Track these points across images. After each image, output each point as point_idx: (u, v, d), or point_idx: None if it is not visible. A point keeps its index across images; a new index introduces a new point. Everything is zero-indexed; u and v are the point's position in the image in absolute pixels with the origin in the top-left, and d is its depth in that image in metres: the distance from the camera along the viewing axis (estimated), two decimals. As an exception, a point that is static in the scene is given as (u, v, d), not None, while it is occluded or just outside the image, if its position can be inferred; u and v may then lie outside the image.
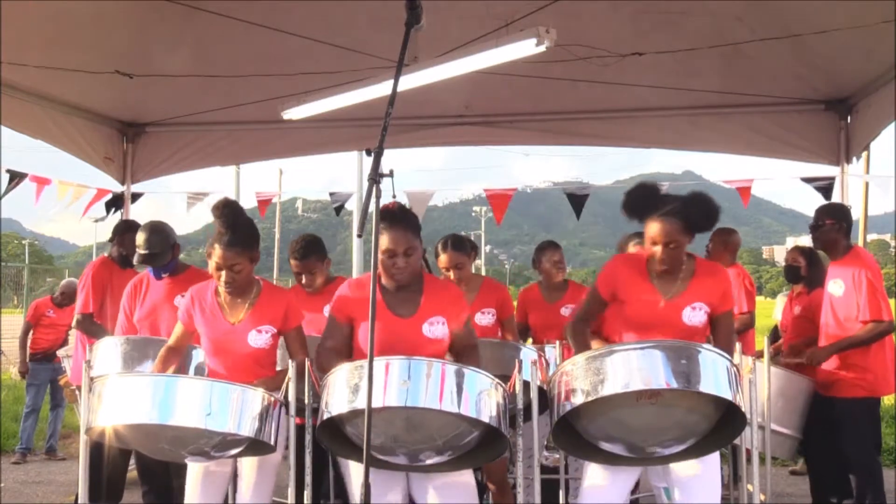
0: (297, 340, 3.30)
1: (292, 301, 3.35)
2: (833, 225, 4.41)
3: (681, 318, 3.10)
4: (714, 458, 3.03)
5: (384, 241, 2.91)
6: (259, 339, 3.21)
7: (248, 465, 3.19)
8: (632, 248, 4.10)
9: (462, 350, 3.07)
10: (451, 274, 4.31)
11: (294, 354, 3.26)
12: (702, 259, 3.32)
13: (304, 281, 4.32)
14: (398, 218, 2.95)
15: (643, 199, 3.14)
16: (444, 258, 4.34)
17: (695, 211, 3.06)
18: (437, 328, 2.98)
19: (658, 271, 3.13)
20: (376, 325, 2.90)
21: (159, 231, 4.36)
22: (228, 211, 3.20)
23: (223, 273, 3.15)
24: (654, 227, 3.07)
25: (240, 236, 3.15)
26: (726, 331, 3.21)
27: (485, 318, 4.30)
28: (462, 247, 4.39)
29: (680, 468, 3.02)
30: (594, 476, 3.06)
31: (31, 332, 7.39)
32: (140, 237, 4.33)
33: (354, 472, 2.98)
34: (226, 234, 3.13)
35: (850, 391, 4.27)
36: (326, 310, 4.27)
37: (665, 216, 3.04)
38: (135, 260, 4.41)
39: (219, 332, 3.22)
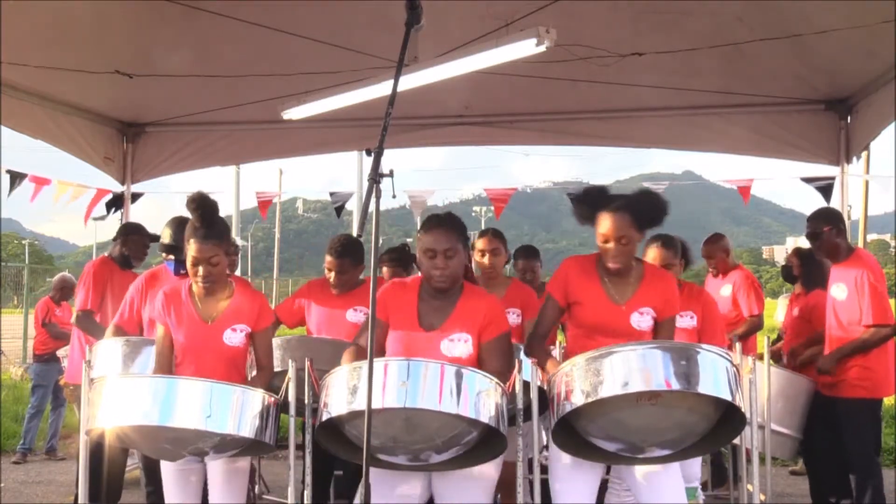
0: (265, 345, 3.29)
1: (264, 301, 3.37)
2: (831, 230, 4.39)
3: (629, 323, 3.08)
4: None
5: (425, 239, 2.93)
6: (234, 337, 3.21)
7: (216, 468, 3.19)
8: (652, 252, 4.08)
9: (483, 367, 2.90)
10: (486, 259, 4.33)
11: (260, 360, 3.26)
12: (650, 264, 3.31)
13: (332, 279, 4.33)
14: (444, 219, 2.97)
15: (592, 197, 3.12)
16: (482, 242, 4.39)
17: (642, 205, 3.04)
18: (457, 346, 2.91)
19: (610, 271, 3.10)
20: (398, 333, 2.94)
21: (186, 226, 4.40)
22: (204, 204, 3.21)
23: (200, 268, 3.15)
24: (604, 223, 3.04)
25: (216, 230, 3.17)
26: (667, 337, 3.13)
27: (510, 318, 4.31)
28: (501, 237, 4.46)
29: (642, 467, 3.02)
30: (560, 475, 3.05)
31: (31, 333, 7.42)
32: (166, 231, 4.39)
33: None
34: (201, 227, 3.15)
35: (852, 392, 4.26)
36: (350, 313, 4.31)
37: (614, 211, 3.02)
38: (159, 249, 4.47)
39: (194, 331, 3.21)
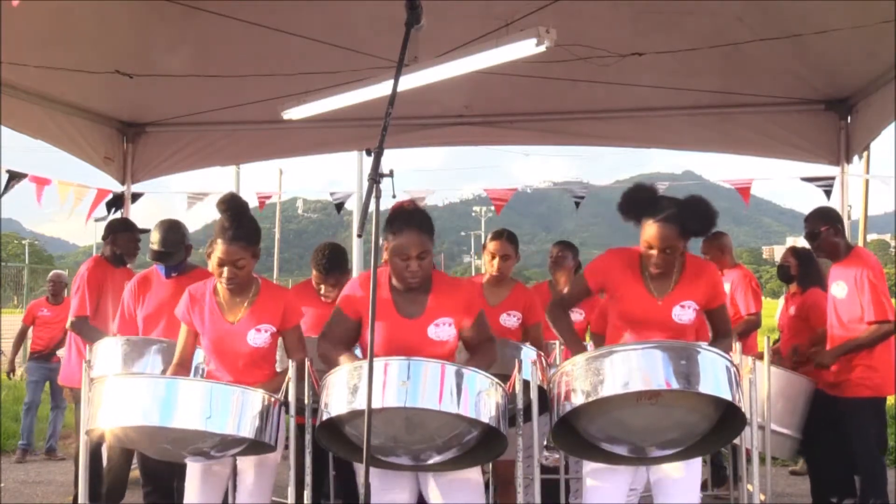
0: (296, 340, 3.28)
1: (291, 299, 3.34)
2: (829, 230, 4.41)
3: (671, 317, 3.10)
4: (696, 460, 3.05)
5: (397, 242, 2.89)
6: (259, 337, 3.19)
7: (248, 465, 3.19)
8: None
9: (477, 345, 3.06)
10: (495, 263, 4.34)
11: (292, 354, 3.25)
12: (692, 256, 3.31)
13: (322, 290, 4.35)
14: (413, 218, 2.92)
15: (641, 200, 3.12)
16: (494, 245, 4.37)
17: (692, 216, 3.04)
18: (443, 329, 2.96)
19: (652, 273, 3.13)
20: (383, 325, 2.92)
21: (175, 230, 4.36)
22: (234, 205, 3.18)
23: (225, 269, 3.11)
24: (650, 231, 3.05)
25: (244, 231, 3.12)
26: (723, 325, 3.25)
27: (510, 320, 4.31)
28: (514, 241, 4.47)
29: (663, 469, 3.03)
30: (594, 476, 3.07)
31: (29, 333, 7.42)
32: (155, 234, 4.33)
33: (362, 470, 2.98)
34: (230, 228, 3.10)
35: (856, 391, 4.27)
36: None
37: (663, 221, 3.02)
38: (148, 256, 4.42)
39: (218, 331, 3.20)
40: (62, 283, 7.79)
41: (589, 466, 3.08)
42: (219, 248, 3.11)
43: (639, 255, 3.17)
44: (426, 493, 2.98)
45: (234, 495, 3.31)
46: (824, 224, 4.42)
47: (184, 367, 3.29)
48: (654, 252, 3.06)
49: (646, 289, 3.15)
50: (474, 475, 2.97)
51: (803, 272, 5.14)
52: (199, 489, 3.20)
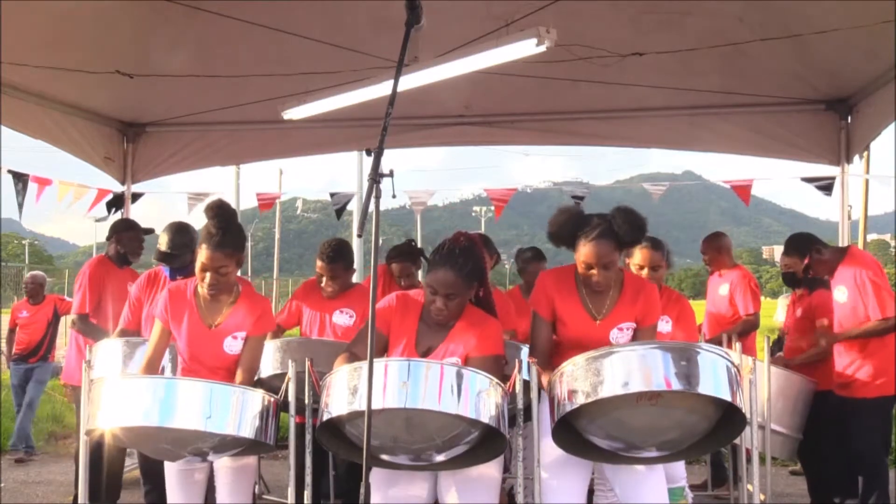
0: (253, 351, 3.24)
1: (268, 309, 3.34)
2: (812, 256, 4.51)
3: (608, 340, 3.08)
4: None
5: (429, 275, 2.88)
6: (234, 345, 3.20)
7: (224, 467, 3.18)
8: (640, 253, 4.09)
9: None
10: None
11: (241, 364, 3.20)
12: (630, 274, 3.29)
13: (323, 283, 4.37)
14: (452, 257, 2.87)
15: (569, 224, 3.07)
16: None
17: (624, 228, 3.00)
18: None
19: (594, 291, 3.10)
20: (399, 354, 2.93)
21: (183, 233, 4.40)
22: (222, 213, 3.19)
23: (208, 275, 3.12)
24: (586, 251, 3.01)
25: (230, 239, 3.13)
26: None
27: None
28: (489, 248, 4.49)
29: (625, 468, 3.03)
30: (551, 473, 3.04)
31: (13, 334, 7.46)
32: (164, 236, 4.37)
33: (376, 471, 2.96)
34: (216, 235, 3.11)
35: (864, 391, 4.28)
36: (336, 315, 4.34)
37: (596, 238, 2.98)
38: (154, 257, 4.44)
39: (195, 334, 3.20)
40: (39, 283, 7.79)
41: (546, 460, 3.03)
42: (203, 254, 3.11)
43: (573, 273, 3.14)
44: (441, 492, 2.96)
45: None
46: (805, 254, 4.53)
47: (152, 368, 3.24)
48: (594, 271, 3.02)
49: (584, 310, 3.13)
50: (491, 472, 2.93)
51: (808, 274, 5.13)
52: (178, 492, 3.23)
